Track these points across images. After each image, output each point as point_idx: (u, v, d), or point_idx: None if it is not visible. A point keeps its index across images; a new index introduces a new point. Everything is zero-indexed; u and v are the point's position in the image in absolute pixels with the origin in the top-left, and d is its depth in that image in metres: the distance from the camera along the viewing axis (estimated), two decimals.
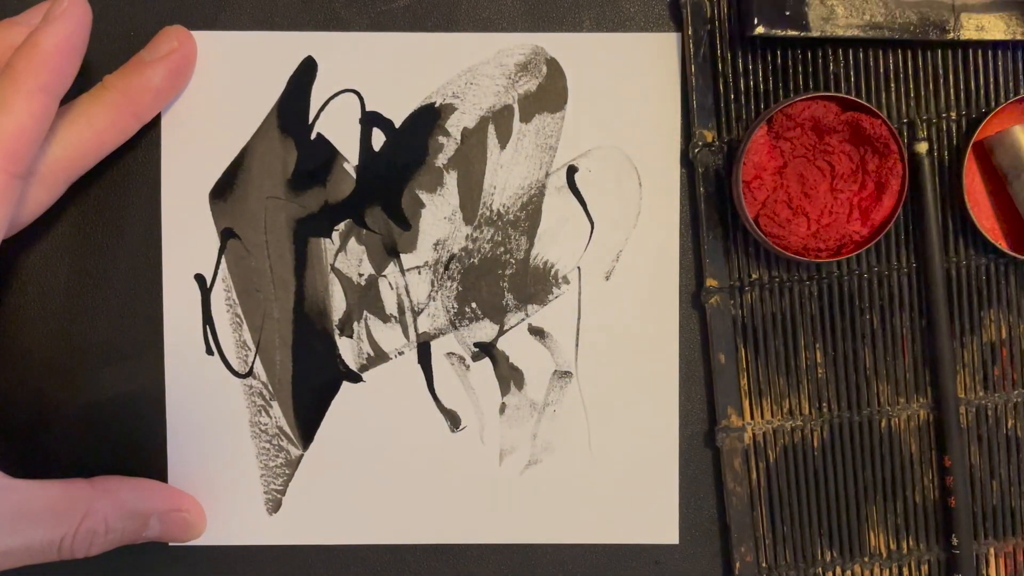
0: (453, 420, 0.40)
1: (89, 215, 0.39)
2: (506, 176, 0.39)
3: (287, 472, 0.40)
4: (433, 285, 0.40)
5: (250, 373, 0.40)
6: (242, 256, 0.39)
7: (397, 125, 0.39)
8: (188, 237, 0.39)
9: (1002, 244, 0.39)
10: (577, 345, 0.40)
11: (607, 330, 0.40)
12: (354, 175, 0.39)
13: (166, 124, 0.39)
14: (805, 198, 0.38)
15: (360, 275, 0.40)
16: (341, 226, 0.39)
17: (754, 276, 0.39)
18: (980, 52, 0.39)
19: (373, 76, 0.39)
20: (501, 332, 0.40)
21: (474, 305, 0.40)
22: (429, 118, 0.39)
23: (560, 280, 0.40)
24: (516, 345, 0.40)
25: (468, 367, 0.40)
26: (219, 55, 0.39)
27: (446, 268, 0.39)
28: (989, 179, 0.39)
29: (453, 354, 0.40)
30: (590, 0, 0.39)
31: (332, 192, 0.39)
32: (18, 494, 0.34)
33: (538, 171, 0.39)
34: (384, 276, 0.40)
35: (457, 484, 0.40)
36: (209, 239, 0.39)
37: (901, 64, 0.39)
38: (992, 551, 0.40)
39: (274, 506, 0.40)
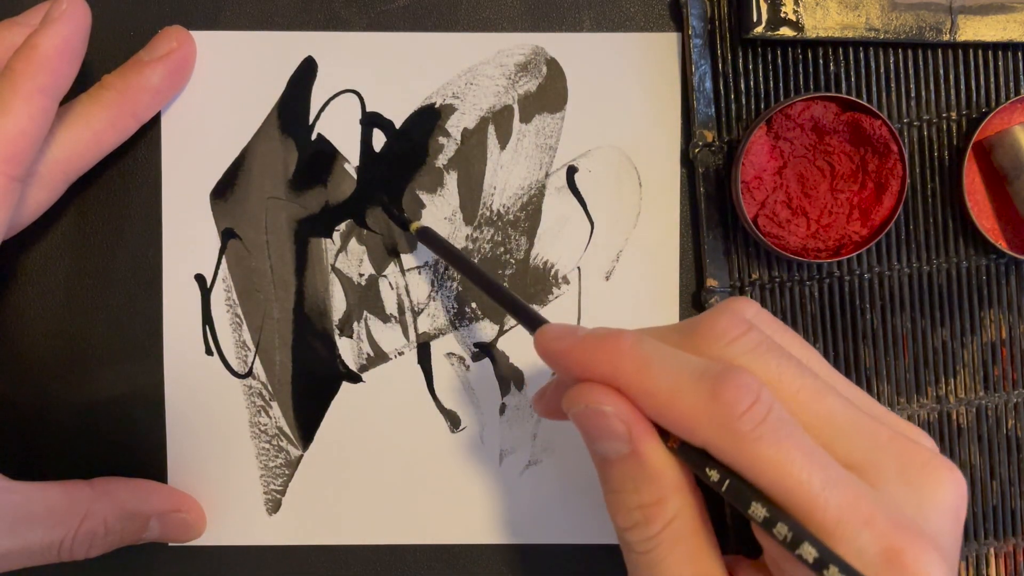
0: (453, 420, 0.40)
1: (89, 215, 0.39)
2: (506, 176, 0.39)
3: (287, 472, 0.40)
4: (433, 285, 0.40)
5: (250, 373, 0.40)
6: (242, 256, 0.39)
7: (397, 126, 0.39)
8: (188, 237, 0.39)
9: (1002, 244, 0.39)
10: None
11: None
12: (354, 175, 0.39)
13: (166, 124, 0.39)
14: (805, 198, 0.38)
15: (360, 275, 0.39)
16: (342, 226, 0.39)
17: (754, 276, 0.39)
18: (980, 52, 0.39)
19: (373, 76, 0.39)
20: (501, 332, 0.40)
21: (474, 305, 0.40)
22: (429, 118, 0.39)
23: (560, 280, 0.40)
24: (516, 345, 0.40)
25: (468, 367, 0.40)
26: (219, 55, 0.39)
27: (446, 268, 0.39)
28: (989, 179, 0.39)
29: (453, 354, 0.40)
30: (590, 0, 0.39)
31: (333, 192, 0.39)
32: (17, 496, 0.34)
33: (538, 171, 0.39)
34: (384, 276, 0.40)
35: (457, 484, 0.40)
36: (209, 239, 0.39)
37: (901, 64, 0.39)
38: (992, 551, 0.40)
39: (274, 506, 0.40)
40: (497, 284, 0.34)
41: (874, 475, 0.25)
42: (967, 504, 0.27)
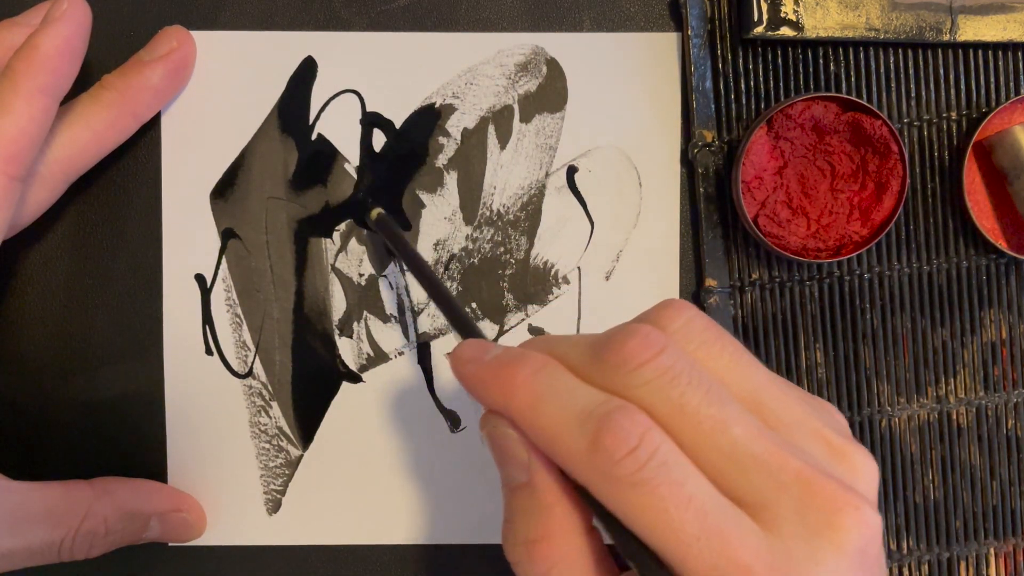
0: (453, 420, 0.40)
1: (89, 215, 0.39)
2: (506, 176, 0.39)
3: (287, 472, 0.40)
4: None
5: (250, 373, 0.40)
6: (242, 256, 0.39)
7: (397, 126, 0.39)
8: (188, 237, 0.39)
9: (1002, 244, 0.39)
10: None
11: None
12: (355, 175, 0.39)
13: (166, 124, 0.39)
14: (805, 198, 0.38)
15: (360, 275, 0.39)
16: (342, 226, 0.39)
17: (754, 276, 0.39)
18: (980, 52, 0.39)
19: (373, 76, 0.39)
20: (501, 332, 0.40)
21: (474, 305, 0.40)
22: (429, 118, 0.39)
23: (560, 280, 0.40)
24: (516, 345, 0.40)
25: None
26: (219, 55, 0.39)
27: (446, 268, 0.39)
28: (989, 179, 0.39)
29: None
30: (590, 0, 0.39)
31: (333, 192, 0.39)
32: (18, 496, 0.34)
33: (538, 171, 0.39)
34: (384, 276, 0.40)
35: (457, 484, 0.40)
36: (209, 239, 0.39)
37: (901, 64, 0.39)
38: (992, 551, 0.40)
39: (274, 506, 0.40)
40: (441, 288, 0.33)
41: (770, 516, 0.24)
42: (882, 537, 0.25)
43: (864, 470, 0.26)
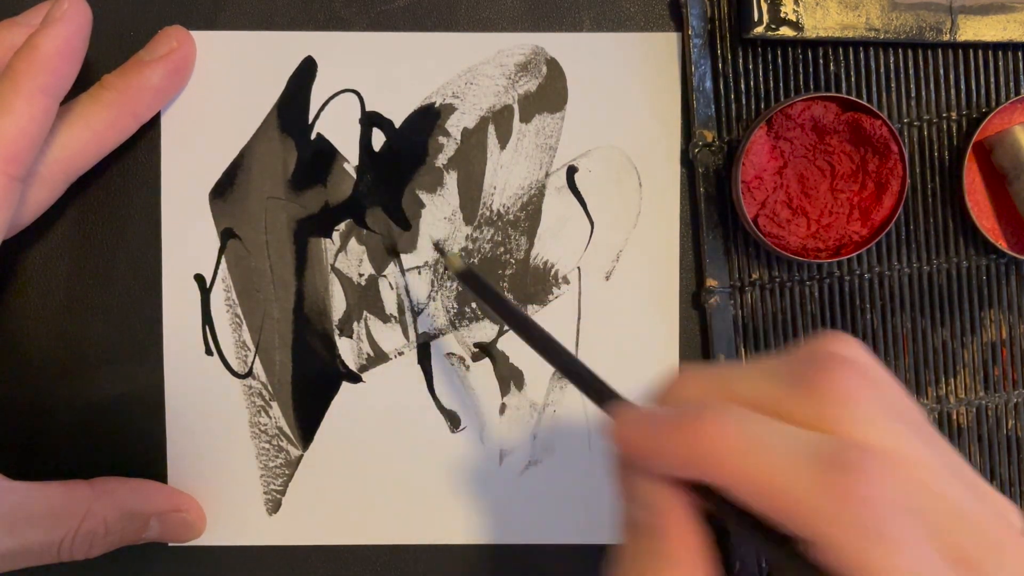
0: (453, 420, 0.40)
1: (89, 215, 0.39)
2: (506, 176, 0.39)
3: (287, 472, 0.40)
4: (433, 285, 0.40)
5: (250, 373, 0.40)
6: (242, 256, 0.39)
7: (397, 125, 0.39)
8: (188, 237, 0.39)
9: (1002, 244, 0.39)
10: (577, 345, 0.40)
11: (607, 330, 0.40)
12: (354, 175, 0.39)
13: (166, 124, 0.39)
14: (805, 198, 0.38)
15: (360, 275, 0.39)
16: (341, 226, 0.39)
17: (754, 276, 0.39)
18: (980, 52, 0.39)
19: (373, 76, 0.39)
20: (501, 332, 0.40)
21: (474, 305, 0.40)
22: (429, 118, 0.39)
23: (560, 280, 0.40)
24: (516, 345, 0.40)
25: (468, 367, 0.40)
26: (219, 55, 0.39)
27: (446, 268, 0.39)
28: (989, 179, 0.39)
29: (453, 354, 0.40)
30: (590, 0, 0.39)
31: (332, 192, 0.39)
32: (17, 496, 0.34)
33: (538, 171, 0.39)
34: (384, 276, 0.40)
35: (457, 484, 0.40)
36: (209, 239, 0.39)
37: (901, 64, 0.39)
38: None
39: (274, 506, 0.40)
40: (554, 344, 0.30)
41: (983, 573, 0.22)
42: None
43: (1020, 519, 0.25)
